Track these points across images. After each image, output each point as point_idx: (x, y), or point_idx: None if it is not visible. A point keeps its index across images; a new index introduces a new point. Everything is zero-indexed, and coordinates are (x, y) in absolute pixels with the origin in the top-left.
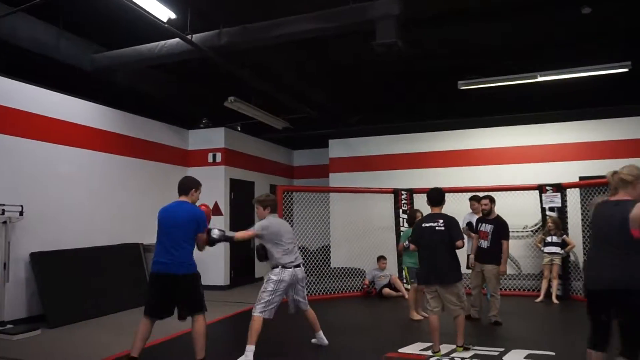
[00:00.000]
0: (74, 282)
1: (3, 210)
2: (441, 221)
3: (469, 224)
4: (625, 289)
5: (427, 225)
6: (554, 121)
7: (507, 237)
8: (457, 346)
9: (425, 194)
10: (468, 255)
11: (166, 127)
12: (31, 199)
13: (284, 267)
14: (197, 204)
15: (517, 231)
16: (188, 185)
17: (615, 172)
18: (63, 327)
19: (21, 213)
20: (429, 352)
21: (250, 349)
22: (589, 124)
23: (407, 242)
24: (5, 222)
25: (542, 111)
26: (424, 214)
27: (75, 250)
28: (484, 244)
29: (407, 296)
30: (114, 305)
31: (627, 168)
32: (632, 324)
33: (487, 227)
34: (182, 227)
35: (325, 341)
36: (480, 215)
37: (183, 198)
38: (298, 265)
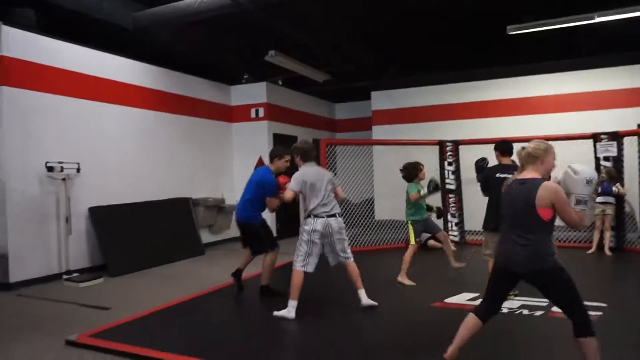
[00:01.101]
0: (131, 234)
1: (62, 167)
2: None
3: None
4: (535, 270)
5: (502, 175)
6: (610, 66)
7: None
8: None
9: (494, 145)
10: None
11: (209, 83)
12: (86, 157)
13: (317, 216)
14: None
15: None
16: (271, 155)
17: (523, 148)
18: (123, 276)
19: (78, 170)
20: (475, 302)
21: (292, 304)
22: None
23: (423, 192)
24: (64, 179)
25: (597, 55)
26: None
27: (130, 205)
28: None
29: (453, 248)
30: (168, 255)
31: (534, 142)
32: (553, 297)
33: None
34: (249, 185)
35: (365, 300)
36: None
37: (270, 165)
38: (333, 215)
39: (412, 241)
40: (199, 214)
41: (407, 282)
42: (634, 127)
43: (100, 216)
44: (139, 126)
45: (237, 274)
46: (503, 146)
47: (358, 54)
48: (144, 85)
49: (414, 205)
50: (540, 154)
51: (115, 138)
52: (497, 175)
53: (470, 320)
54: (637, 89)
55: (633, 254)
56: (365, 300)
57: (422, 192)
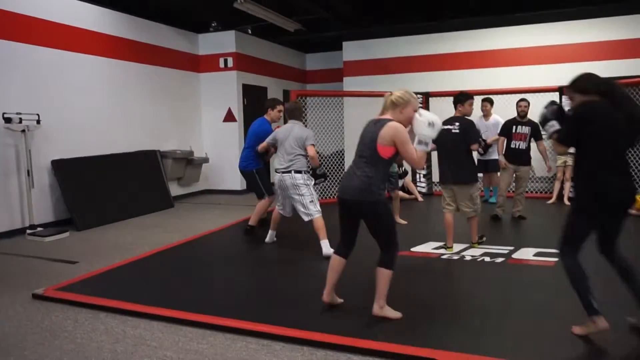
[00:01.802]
0: (96, 187)
1: (20, 118)
2: (457, 124)
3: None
4: (362, 201)
5: (445, 127)
6: (576, 18)
7: (542, 138)
8: (472, 243)
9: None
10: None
11: (176, 31)
12: (47, 108)
13: (275, 171)
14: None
15: None
16: (265, 105)
17: (391, 93)
18: (89, 229)
19: (38, 121)
20: (440, 251)
21: (324, 243)
22: (613, 21)
23: None
24: (23, 131)
25: (564, 8)
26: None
27: (95, 158)
28: (522, 145)
29: (420, 198)
30: (136, 209)
31: (400, 91)
32: (374, 229)
33: (524, 129)
34: (248, 136)
35: (326, 250)
36: (517, 117)
37: (265, 116)
38: (288, 172)
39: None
40: (167, 167)
41: (401, 222)
42: None
43: (64, 169)
44: (104, 76)
45: (262, 223)
46: (455, 98)
47: (330, 2)
48: (108, 33)
49: None
50: (402, 103)
51: (79, 88)
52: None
53: (335, 262)
54: (602, 43)
55: None
56: (325, 249)
57: None
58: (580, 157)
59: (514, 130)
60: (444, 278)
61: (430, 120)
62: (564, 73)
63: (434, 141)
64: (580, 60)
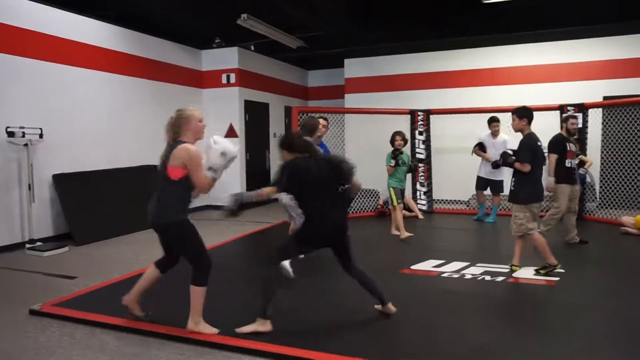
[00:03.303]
0: (97, 202)
1: (23, 132)
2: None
3: (480, 144)
4: (157, 223)
5: (540, 144)
6: (579, 37)
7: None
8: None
9: (516, 113)
10: (478, 177)
11: (179, 47)
12: (50, 122)
13: None
14: None
15: None
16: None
17: (171, 117)
18: (89, 244)
19: (41, 135)
20: (440, 269)
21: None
22: (616, 41)
23: (392, 163)
24: (26, 145)
25: (567, 27)
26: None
27: (96, 172)
28: (573, 163)
29: (420, 216)
30: (137, 224)
31: (176, 112)
32: (177, 250)
33: (573, 147)
34: None
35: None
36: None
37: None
38: None
39: (395, 202)
40: None
41: (405, 234)
42: (600, 100)
43: (65, 183)
44: (107, 91)
45: None
46: (530, 114)
47: (333, 19)
48: (111, 48)
49: (392, 174)
50: (183, 121)
51: (81, 103)
52: (539, 143)
53: (149, 271)
54: (603, 62)
55: (592, 222)
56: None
57: (392, 163)
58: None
59: (568, 148)
60: (449, 297)
61: (224, 149)
62: (566, 91)
63: (532, 159)
64: (581, 79)
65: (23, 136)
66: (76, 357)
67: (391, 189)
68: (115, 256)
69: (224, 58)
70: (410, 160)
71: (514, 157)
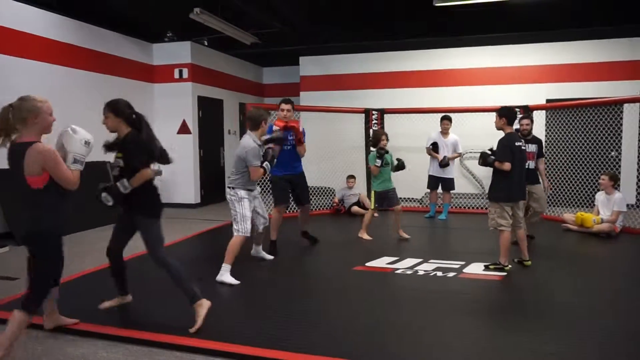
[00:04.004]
0: None
1: None
2: (523, 141)
3: (434, 143)
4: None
5: (519, 144)
6: (524, 42)
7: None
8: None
9: (497, 112)
10: (430, 176)
11: (129, 40)
12: None
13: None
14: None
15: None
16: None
17: (11, 107)
18: None
19: None
20: (394, 266)
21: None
22: (558, 46)
23: (378, 163)
24: None
25: (513, 32)
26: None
27: None
28: (531, 164)
29: (375, 214)
30: (81, 223)
31: (20, 101)
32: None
33: (531, 147)
34: None
35: (223, 277)
36: (520, 135)
37: None
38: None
39: (372, 206)
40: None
41: (366, 237)
42: (543, 102)
43: (3, 180)
44: (50, 83)
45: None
46: (511, 114)
47: (288, 17)
48: (55, 38)
49: (377, 175)
50: (30, 114)
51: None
52: (516, 143)
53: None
54: (547, 66)
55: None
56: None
57: (377, 163)
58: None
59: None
60: (398, 292)
61: (87, 138)
62: (513, 94)
63: (506, 157)
64: (526, 82)
65: None
66: None
67: (373, 192)
68: None
69: (176, 52)
70: (397, 159)
71: (493, 157)
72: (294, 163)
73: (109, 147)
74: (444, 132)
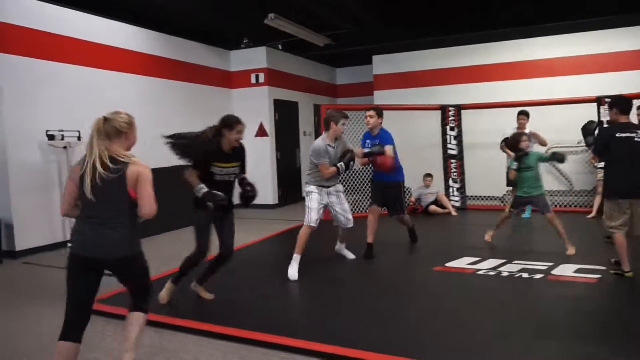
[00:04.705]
0: None
1: (62, 135)
2: (637, 132)
3: (506, 139)
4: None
5: (624, 135)
6: (613, 27)
7: None
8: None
9: (609, 102)
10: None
11: (207, 48)
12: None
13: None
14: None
15: (572, 146)
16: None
17: (106, 119)
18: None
19: (79, 138)
20: (476, 267)
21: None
22: None
23: (514, 166)
24: (65, 147)
25: (599, 16)
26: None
27: None
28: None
29: (453, 212)
30: (172, 222)
31: (118, 116)
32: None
33: None
34: None
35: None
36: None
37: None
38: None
39: (507, 210)
40: None
41: (489, 238)
42: (637, 91)
43: None
44: (139, 93)
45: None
46: (622, 103)
47: (360, 15)
48: (142, 51)
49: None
50: (126, 128)
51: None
52: (618, 135)
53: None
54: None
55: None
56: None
57: (513, 166)
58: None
59: None
60: (479, 293)
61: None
62: (602, 82)
63: (600, 151)
64: (618, 69)
65: (62, 139)
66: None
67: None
68: (156, 253)
69: (252, 58)
70: (552, 153)
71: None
72: (383, 171)
73: (213, 155)
74: (521, 128)
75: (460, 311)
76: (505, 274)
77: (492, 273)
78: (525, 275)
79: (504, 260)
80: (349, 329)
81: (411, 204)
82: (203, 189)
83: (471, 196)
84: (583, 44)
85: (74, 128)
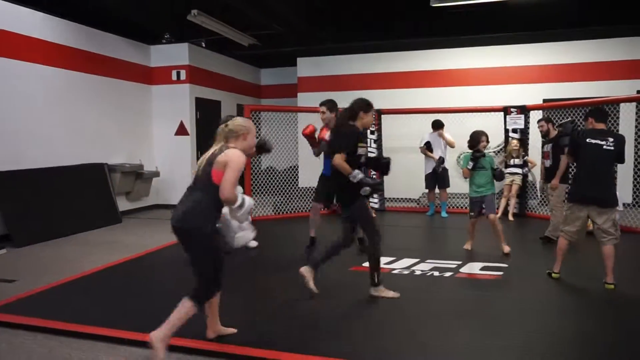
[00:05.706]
0: (38, 201)
1: None
2: (611, 140)
3: (427, 143)
4: (179, 227)
5: (594, 142)
6: (522, 42)
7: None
8: (606, 283)
9: (586, 113)
10: (426, 175)
11: (127, 42)
12: None
13: None
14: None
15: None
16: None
17: (226, 125)
18: (30, 246)
19: None
20: (391, 266)
21: None
22: (555, 46)
23: (469, 165)
24: None
25: (512, 32)
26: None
27: (35, 170)
28: (547, 163)
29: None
30: (81, 224)
31: (237, 120)
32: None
33: (548, 147)
34: None
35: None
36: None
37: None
38: None
39: (469, 216)
40: (115, 181)
41: (468, 247)
42: (540, 102)
43: (1, 182)
44: (49, 85)
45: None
46: (598, 110)
47: (286, 18)
48: (55, 41)
49: (470, 181)
50: (243, 131)
51: (20, 98)
52: (588, 140)
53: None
54: (543, 66)
55: (533, 219)
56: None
57: (469, 166)
58: None
59: (543, 149)
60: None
61: (238, 234)
62: (510, 94)
63: (571, 152)
64: (522, 82)
65: None
66: None
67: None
68: (57, 258)
69: (174, 54)
70: (495, 168)
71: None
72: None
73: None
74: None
75: (375, 310)
76: (418, 272)
77: (406, 272)
78: (436, 273)
79: (417, 260)
80: (263, 329)
81: (332, 205)
82: (359, 174)
83: (390, 198)
84: (494, 57)
85: None
